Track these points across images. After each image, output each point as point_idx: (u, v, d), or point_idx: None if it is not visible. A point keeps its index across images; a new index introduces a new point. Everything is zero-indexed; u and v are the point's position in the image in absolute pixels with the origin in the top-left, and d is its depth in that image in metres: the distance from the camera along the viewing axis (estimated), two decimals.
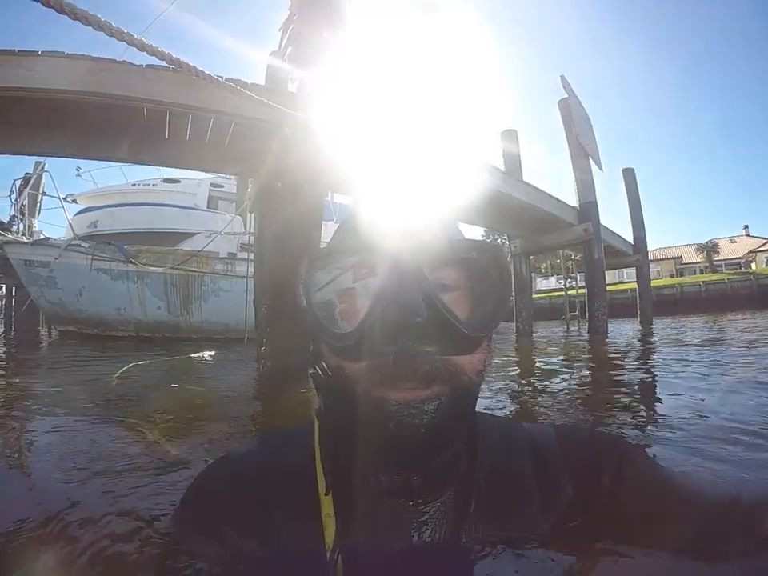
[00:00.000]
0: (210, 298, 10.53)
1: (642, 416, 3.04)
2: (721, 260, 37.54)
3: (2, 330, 15.20)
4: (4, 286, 16.28)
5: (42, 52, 5.44)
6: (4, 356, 8.69)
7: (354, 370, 0.40)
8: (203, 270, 10.29)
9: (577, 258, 13.95)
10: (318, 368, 0.45)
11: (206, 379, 5.51)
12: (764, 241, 38.63)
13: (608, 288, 12.41)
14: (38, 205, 14.05)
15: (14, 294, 15.65)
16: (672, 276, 34.40)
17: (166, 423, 3.08)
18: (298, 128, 6.11)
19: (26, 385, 4.75)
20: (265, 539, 0.42)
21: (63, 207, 12.42)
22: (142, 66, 5.82)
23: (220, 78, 5.64)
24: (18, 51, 5.38)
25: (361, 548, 0.40)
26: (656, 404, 3.45)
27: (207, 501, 0.46)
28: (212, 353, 7.50)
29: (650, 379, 4.60)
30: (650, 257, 18.44)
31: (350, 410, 0.40)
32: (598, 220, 12.24)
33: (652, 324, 14.92)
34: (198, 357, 7.25)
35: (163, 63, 5.75)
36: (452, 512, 0.43)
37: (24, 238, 11.96)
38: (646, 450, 2.23)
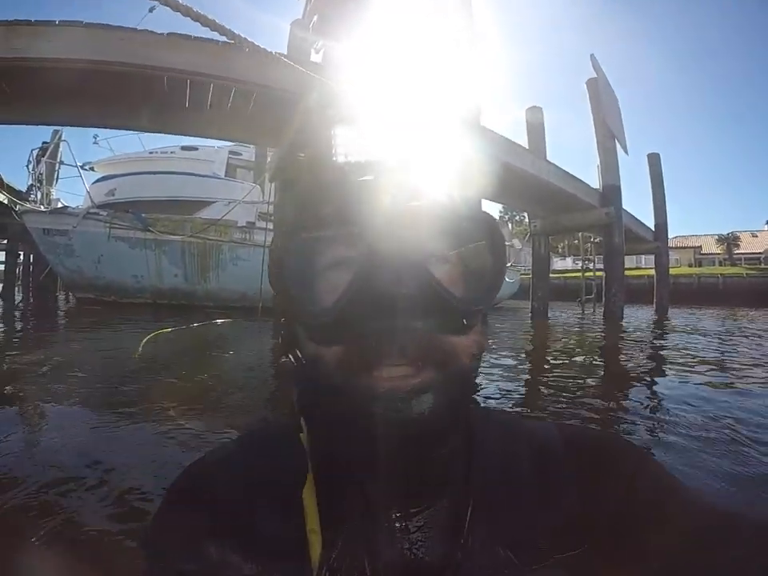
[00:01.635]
0: (228, 267, 10.56)
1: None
2: (741, 253, 36.69)
3: (20, 297, 15.51)
4: (22, 253, 16.50)
5: (59, 22, 5.32)
6: (23, 326, 8.87)
7: (331, 355, 0.34)
8: (221, 239, 10.31)
9: (596, 240, 13.64)
10: (290, 356, 0.39)
11: (225, 352, 5.55)
12: None
13: (625, 273, 12.18)
14: (56, 173, 14.11)
15: (31, 261, 15.90)
16: (690, 265, 33.76)
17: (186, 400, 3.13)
18: (321, 98, 5.99)
19: (44, 356, 4.79)
20: (246, 555, 0.37)
21: (81, 175, 12.48)
22: (163, 34, 5.71)
23: (243, 40, 5.54)
24: (35, 21, 5.25)
25: (348, 565, 0.36)
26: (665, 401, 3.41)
27: (183, 511, 0.41)
28: (228, 321, 7.55)
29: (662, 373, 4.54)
30: (670, 244, 18.03)
31: (327, 405, 0.35)
32: (621, 204, 11.96)
33: (668, 313, 14.69)
34: (216, 324, 7.30)
35: (185, 32, 5.58)
36: (445, 521, 0.37)
37: (42, 206, 12.04)
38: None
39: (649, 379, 4.23)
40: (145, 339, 5.12)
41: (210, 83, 5.97)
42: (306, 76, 5.84)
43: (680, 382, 3.99)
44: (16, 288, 16.27)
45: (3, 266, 17.20)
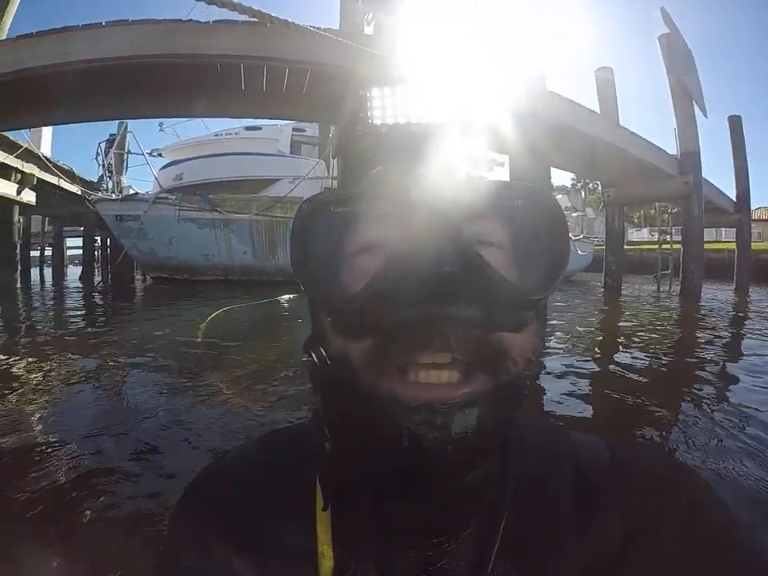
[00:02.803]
0: None
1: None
2: None
3: (100, 278, 16.84)
4: (99, 238, 17.85)
5: (105, 23, 5.54)
6: (103, 303, 9.58)
7: (359, 351, 0.29)
8: (287, 216, 10.60)
9: (674, 210, 12.64)
10: (314, 355, 0.32)
11: (288, 327, 5.71)
12: None
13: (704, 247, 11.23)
14: (125, 163, 14.99)
15: (108, 245, 17.15)
16: None
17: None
18: (376, 70, 5.87)
19: (131, 334, 5.13)
20: (252, 568, 0.33)
21: (148, 163, 13.18)
22: (209, 22, 5.80)
23: (292, 24, 5.51)
24: (83, 26, 5.52)
25: None
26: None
27: (195, 515, 0.37)
28: (291, 296, 7.74)
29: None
30: (752, 216, 16.41)
31: (352, 413, 0.30)
32: (700, 173, 10.96)
33: (748, 293, 13.46)
34: (279, 300, 7.50)
35: (231, 17, 5.65)
36: (469, 553, 0.32)
37: (113, 195, 12.86)
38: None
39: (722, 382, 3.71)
40: (209, 317, 5.37)
41: (262, 65, 6.03)
42: (357, 50, 5.76)
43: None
44: (96, 271, 17.70)
45: (82, 251, 18.72)
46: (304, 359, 0.34)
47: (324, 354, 0.32)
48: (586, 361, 4.34)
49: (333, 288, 0.31)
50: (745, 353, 4.88)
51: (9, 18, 6.14)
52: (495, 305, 0.28)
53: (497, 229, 0.32)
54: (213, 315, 5.50)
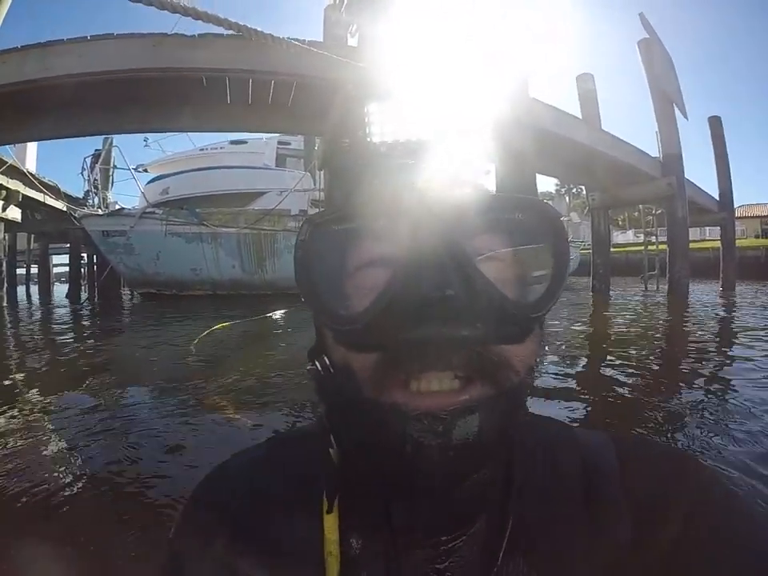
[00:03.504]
0: (284, 255, 10.83)
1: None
2: None
3: (86, 295, 16.59)
4: (85, 255, 17.63)
5: (90, 37, 5.53)
6: (90, 323, 9.42)
7: (362, 364, 0.30)
8: (275, 228, 10.56)
9: (658, 212, 12.85)
10: (318, 364, 0.34)
11: (280, 343, 5.65)
12: None
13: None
14: (110, 178, 14.85)
15: (95, 261, 16.94)
16: (757, 236, 31.12)
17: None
18: (360, 82, 5.88)
19: (117, 352, 5.03)
20: (258, 570, 0.34)
21: (135, 178, 13.07)
22: (194, 35, 5.80)
23: (275, 38, 5.53)
24: (68, 40, 5.47)
25: None
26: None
27: (201, 517, 0.38)
28: (283, 312, 7.67)
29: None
30: (735, 214, 16.70)
31: (356, 422, 0.31)
32: (683, 174, 11.17)
33: (734, 289, 13.66)
34: (271, 316, 7.42)
35: (216, 30, 5.66)
36: (478, 551, 0.33)
37: (99, 210, 12.72)
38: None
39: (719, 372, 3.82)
40: (200, 336, 5.30)
41: (248, 78, 6.05)
42: (341, 61, 5.78)
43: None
44: (81, 288, 17.44)
45: (69, 268, 18.47)
46: (308, 367, 0.35)
47: (327, 363, 0.33)
48: (582, 358, 4.39)
49: (336, 306, 0.31)
50: (739, 347, 4.97)
51: None
52: (497, 321, 0.29)
53: (498, 243, 0.32)
54: (203, 335, 5.41)
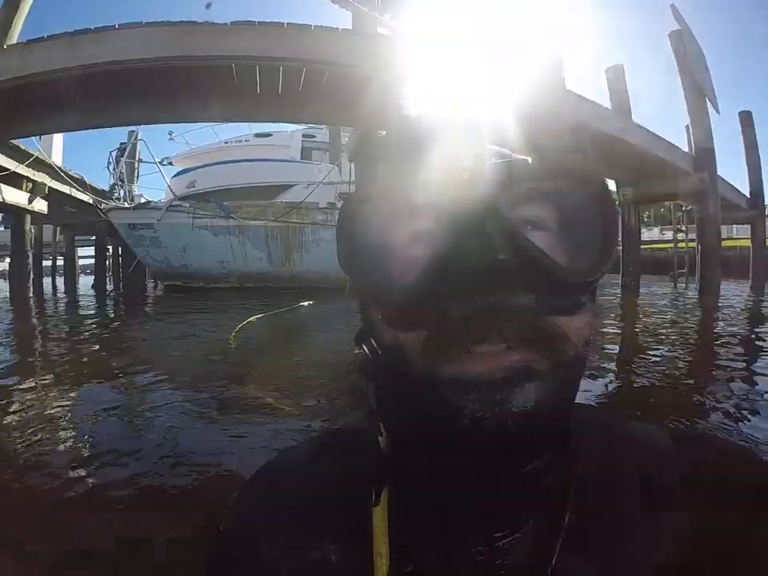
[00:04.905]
0: (312, 249, 10.86)
1: None
2: None
3: (112, 287, 16.91)
4: (111, 247, 17.95)
5: (118, 25, 5.52)
6: (115, 313, 9.56)
7: (412, 342, 0.29)
8: (303, 221, 10.59)
9: (687, 208, 12.59)
10: (365, 347, 0.33)
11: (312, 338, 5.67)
12: None
13: None
14: (136, 171, 15.07)
15: (119, 253, 17.23)
16: None
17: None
18: (394, 71, 5.84)
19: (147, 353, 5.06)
20: (305, 572, 0.33)
21: (160, 171, 13.23)
22: (226, 23, 5.80)
23: (307, 26, 5.50)
24: (95, 28, 5.49)
25: None
26: None
27: (248, 518, 0.38)
28: (312, 303, 7.71)
29: None
30: (767, 212, 16.27)
31: (408, 400, 0.30)
32: (715, 169, 10.88)
33: (764, 290, 13.32)
34: (302, 307, 7.47)
35: (249, 19, 5.64)
36: (533, 548, 0.31)
37: (126, 203, 12.91)
38: None
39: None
40: (237, 327, 5.36)
41: (279, 66, 6.02)
42: (374, 49, 5.74)
43: None
44: (108, 279, 17.78)
45: (94, 260, 18.83)
46: (356, 351, 0.34)
47: (375, 345, 0.32)
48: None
49: (383, 281, 0.31)
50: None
51: (20, 22, 6.10)
52: (549, 289, 0.28)
53: (544, 211, 0.31)
54: (239, 327, 5.48)
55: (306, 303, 7.60)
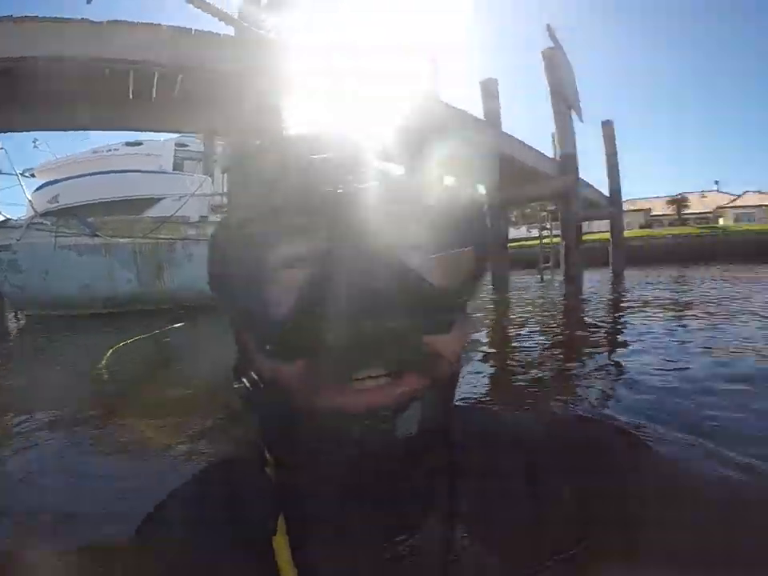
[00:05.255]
0: (183, 265, 10.08)
1: None
2: (690, 213, 38.78)
3: None
4: None
5: None
6: None
7: (292, 372, 0.29)
8: (173, 237, 9.82)
9: (551, 207, 14.19)
10: (245, 380, 0.32)
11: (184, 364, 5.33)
12: (733, 198, 40.33)
13: None
14: None
15: None
16: (641, 227, 35.46)
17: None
18: (277, 79, 5.69)
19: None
20: None
21: (21, 184, 11.54)
22: (102, 22, 5.36)
23: (186, 29, 5.25)
24: None
25: None
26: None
27: (144, 558, 0.37)
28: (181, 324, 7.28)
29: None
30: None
31: (294, 434, 0.30)
32: (577, 173, 12.29)
33: (623, 274, 15.54)
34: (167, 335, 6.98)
35: (123, 19, 5.31)
36: (434, 542, 0.33)
37: None
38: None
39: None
40: (107, 355, 4.89)
41: (153, 71, 5.67)
42: (255, 54, 5.62)
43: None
44: None
45: None
46: (235, 386, 0.33)
47: (255, 377, 0.31)
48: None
49: (258, 309, 0.30)
50: (629, 322, 5.92)
51: None
52: (425, 311, 0.29)
53: (420, 233, 0.31)
54: (106, 356, 4.97)
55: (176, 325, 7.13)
